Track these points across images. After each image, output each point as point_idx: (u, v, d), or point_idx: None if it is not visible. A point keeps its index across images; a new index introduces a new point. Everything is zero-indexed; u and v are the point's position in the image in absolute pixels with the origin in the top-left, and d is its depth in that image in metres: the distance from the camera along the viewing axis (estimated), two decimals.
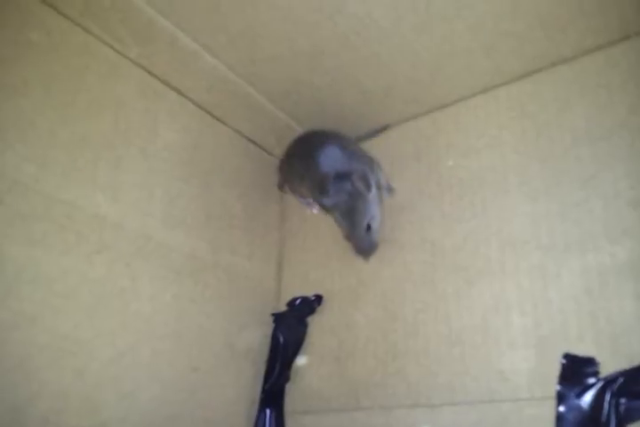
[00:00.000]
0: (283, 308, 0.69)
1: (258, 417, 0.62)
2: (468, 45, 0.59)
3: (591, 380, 0.46)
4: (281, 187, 0.75)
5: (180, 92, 0.66)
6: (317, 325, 0.67)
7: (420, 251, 0.62)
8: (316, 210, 0.71)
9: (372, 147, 0.72)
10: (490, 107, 0.64)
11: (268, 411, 0.62)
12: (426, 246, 0.62)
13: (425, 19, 0.56)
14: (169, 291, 0.59)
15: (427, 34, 0.58)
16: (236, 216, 0.70)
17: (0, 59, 0.50)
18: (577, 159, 0.55)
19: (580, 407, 0.45)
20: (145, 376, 0.54)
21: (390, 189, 0.67)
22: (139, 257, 0.56)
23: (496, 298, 0.55)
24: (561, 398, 0.46)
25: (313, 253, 0.72)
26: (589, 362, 0.47)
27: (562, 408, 0.46)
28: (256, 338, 0.66)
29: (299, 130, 0.75)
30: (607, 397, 0.44)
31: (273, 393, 0.63)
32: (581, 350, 0.48)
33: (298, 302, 0.68)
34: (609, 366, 0.46)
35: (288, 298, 0.69)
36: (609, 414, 0.43)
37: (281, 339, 0.65)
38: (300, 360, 0.65)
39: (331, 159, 0.62)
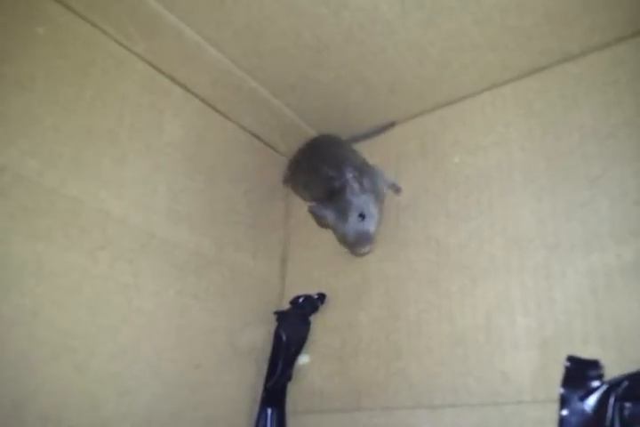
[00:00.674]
0: (286, 306, 0.69)
1: (259, 416, 0.62)
2: (475, 40, 0.59)
3: (595, 383, 0.45)
4: (286, 182, 0.76)
5: (184, 87, 0.66)
6: (320, 323, 0.66)
7: (425, 249, 0.62)
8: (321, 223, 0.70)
9: (378, 144, 0.72)
10: (496, 104, 0.63)
11: (269, 410, 0.62)
12: (430, 245, 0.62)
13: (431, 13, 0.56)
14: (172, 287, 0.58)
15: (433, 28, 0.57)
16: (241, 213, 0.70)
17: (6, 53, 0.50)
18: (583, 157, 0.55)
19: (583, 411, 0.44)
20: (146, 373, 0.54)
21: (397, 189, 0.67)
22: (142, 253, 0.56)
23: (500, 297, 0.54)
24: (564, 402, 0.45)
25: (317, 251, 0.71)
26: (594, 365, 0.46)
27: (565, 412, 0.45)
28: (259, 336, 0.66)
29: (303, 125, 0.75)
30: (611, 401, 0.43)
31: (275, 392, 0.63)
32: (586, 352, 0.47)
33: (301, 300, 0.68)
34: (614, 368, 0.45)
35: (291, 296, 0.69)
36: (613, 419, 0.42)
37: (283, 337, 0.65)
38: (303, 359, 0.65)
39: (328, 166, 0.64)
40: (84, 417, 0.48)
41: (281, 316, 0.68)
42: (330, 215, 0.63)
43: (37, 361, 0.46)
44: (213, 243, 0.64)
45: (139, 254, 0.56)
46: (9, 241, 0.46)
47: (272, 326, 0.67)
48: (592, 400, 0.44)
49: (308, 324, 0.66)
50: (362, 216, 0.61)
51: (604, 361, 0.46)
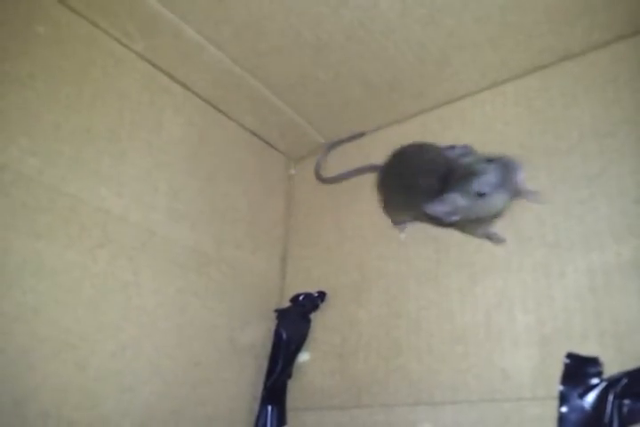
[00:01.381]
0: (286, 304, 0.69)
1: (259, 413, 0.62)
2: (475, 38, 0.59)
3: (594, 380, 0.45)
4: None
5: (184, 86, 0.66)
6: (320, 321, 0.66)
7: (424, 247, 0.62)
8: (403, 235, 0.65)
9: (378, 142, 0.72)
10: (496, 102, 0.63)
11: (269, 407, 0.62)
12: (430, 242, 0.62)
13: (431, 11, 0.55)
14: (172, 285, 0.59)
15: (433, 27, 0.57)
16: (241, 210, 0.70)
17: (6, 51, 0.50)
18: (583, 156, 0.55)
19: (582, 408, 0.44)
20: (146, 370, 0.54)
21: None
22: (142, 251, 0.56)
23: (500, 295, 0.54)
24: (563, 399, 0.45)
25: (317, 249, 0.71)
26: (593, 362, 0.46)
27: (564, 409, 0.45)
28: (259, 334, 0.66)
29: (303, 124, 0.74)
30: (610, 398, 0.43)
31: (275, 389, 0.63)
32: (585, 350, 0.47)
33: (301, 297, 0.68)
34: (613, 366, 0.45)
35: (291, 294, 0.69)
36: (612, 416, 0.42)
37: (284, 335, 0.65)
38: (303, 357, 0.65)
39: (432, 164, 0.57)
40: (85, 414, 0.48)
41: (281, 314, 0.68)
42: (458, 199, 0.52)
43: (38, 358, 0.46)
44: (213, 241, 0.65)
45: (139, 252, 0.56)
46: (9, 239, 0.46)
47: (272, 323, 0.67)
48: (591, 397, 0.44)
49: (308, 321, 0.66)
50: (482, 194, 0.51)
51: (603, 358, 0.46)
